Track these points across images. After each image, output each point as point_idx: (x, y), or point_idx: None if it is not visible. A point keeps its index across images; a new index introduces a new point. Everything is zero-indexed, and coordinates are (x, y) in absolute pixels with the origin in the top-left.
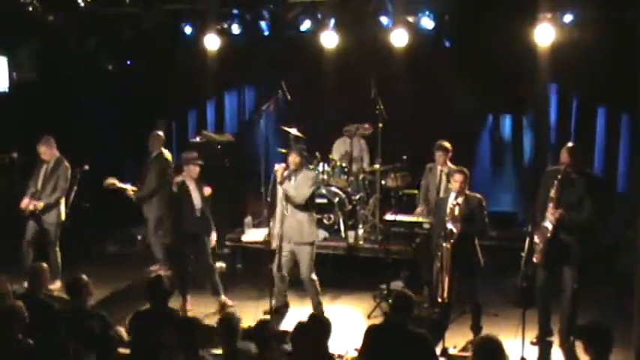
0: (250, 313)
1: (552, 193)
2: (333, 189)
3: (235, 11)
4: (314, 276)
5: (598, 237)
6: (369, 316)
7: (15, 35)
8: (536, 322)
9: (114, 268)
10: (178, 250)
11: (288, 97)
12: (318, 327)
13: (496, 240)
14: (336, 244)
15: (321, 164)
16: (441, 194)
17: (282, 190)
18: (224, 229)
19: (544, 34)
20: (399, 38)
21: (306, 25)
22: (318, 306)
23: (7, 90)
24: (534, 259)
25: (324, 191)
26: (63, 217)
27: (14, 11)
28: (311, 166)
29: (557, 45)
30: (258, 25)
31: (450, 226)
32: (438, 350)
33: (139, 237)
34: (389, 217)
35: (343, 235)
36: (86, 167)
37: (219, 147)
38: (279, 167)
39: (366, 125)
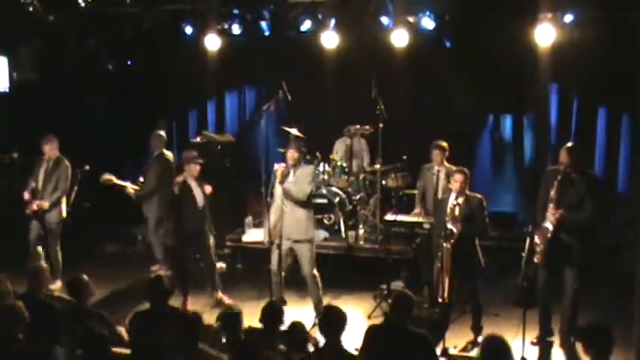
0: (250, 313)
1: (552, 193)
2: (334, 189)
3: (236, 11)
4: (315, 272)
5: (598, 237)
6: (369, 316)
7: (15, 35)
8: (537, 322)
9: (114, 268)
10: (180, 250)
11: (289, 97)
12: (332, 320)
13: (496, 240)
14: (337, 244)
15: (321, 164)
16: (439, 194)
17: (283, 188)
18: (224, 229)
19: (544, 34)
20: (399, 38)
21: (306, 25)
22: (319, 303)
23: (7, 90)
24: (535, 260)
25: (324, 191)
26: (64, 214)
27: (14, 11)
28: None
29: (557, 45)
30: (258, 26)
31: (450, 226)
32: (439, 350)
33: (139, 237)
34: (389, 217)
35: (343, 235)
36: (87, 167)
37: (219, 147)
38: (278, 167)
39: (367, 127)
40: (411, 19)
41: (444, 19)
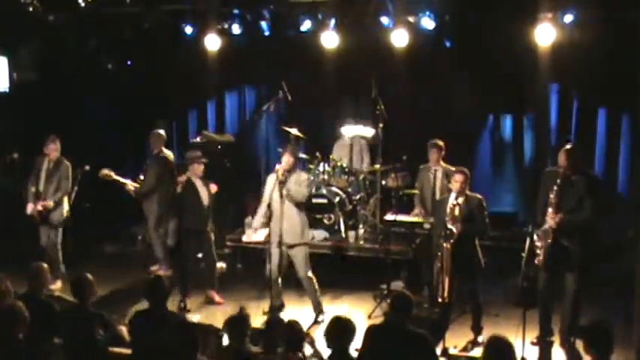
0: (250, 314)
1: (552, 197)
2: (334, 189)
3: (236, 11)
4: (310, 273)
5: (598, 237)
6: (369, 316)
7: (15, 35)
8: (537, 322)
9: (114, 268)
10: (181, 250)
11: (289, 97)
12: (341, 331)
13: (496, 240)
14: (337, 244)
15: (321, 164)
16: (437, 194)
17: (285, 190)
18: (224, 229)
19: (544, 34)
20: (399, 38)
21: (306, 25)
22: (317, 305)
23: (7, 90)
24: (536, 262)
25: (324, 191)
26: (66, 214)
27: (14, 11)
28: (311, 166)
29: (557, 45)
30: (258, 26)
31: (450, 226)
32: (439, 350)
33: (139, 237)
34: (389, 217)
35: (343, 235)
36: (87, 167)
37: (219, 147)
38: (280, 167)
39: (367, 127)
40: (411, 19)
41: (444, 19)
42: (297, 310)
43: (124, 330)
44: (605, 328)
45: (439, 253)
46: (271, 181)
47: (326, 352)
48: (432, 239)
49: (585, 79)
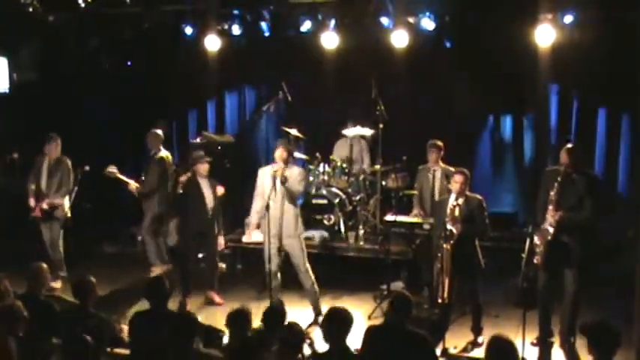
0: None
1: (552, 195)
2: (334, 189)
3: (236, 12)
4: (308, 265)
5: (598, 237)
6: (369, 317)
7: (15, 35)
8: (537, 323)
9: (114, 268)
10: (182, 249)
11: (289, 97)
12: (338, 322)
13: (496, 241)
14: (337, 245)
15: (321, 164)
16: (436, 194)
17: (285, 187)
18: (224, 230)
19: (544, 35)
20: (399, 39)
21: (306, 25)
22: (316, 301)
23: (7, 90)
24: (535, 261)
25: (324, 192)
26: (68, 213)
27: (14, 11)
28: (311, 166)
29: (557, 45)
30: (258, 26)
31: (450, 227)
32: (439, 351)
33: (139, 237)
34: (389, 217)
35: (343, 235)
36: (87, 168)
37: (219, 148)
38: (279, 168)
39: (367, 128)
40: (411, 19)
41: (444, 20)
42: (297, 311)
43: (124, 330)
44: (611, 327)
45: (439, 254)
46: (264, 175)
47: (324, 348)
48: (432, 240)
49: (585, 79)
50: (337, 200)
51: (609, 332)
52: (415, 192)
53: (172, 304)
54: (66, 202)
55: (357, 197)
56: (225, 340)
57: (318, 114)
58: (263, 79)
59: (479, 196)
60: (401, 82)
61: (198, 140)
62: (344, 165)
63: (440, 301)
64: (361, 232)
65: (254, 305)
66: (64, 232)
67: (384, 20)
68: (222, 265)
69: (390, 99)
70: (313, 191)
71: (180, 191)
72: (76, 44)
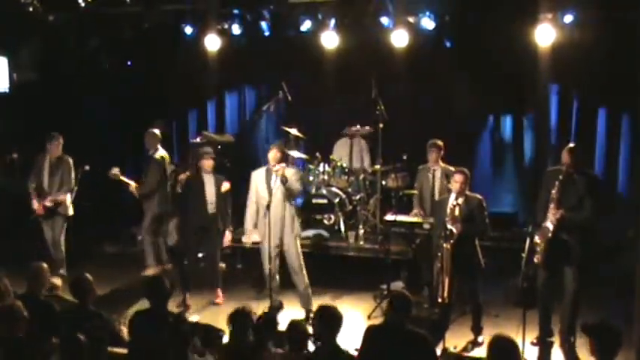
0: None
1: (554, 193)
2: (334, 189)
3: (236, 11)
4: (303, 266)
5: (598, 237)
6: (369, 317)
7: (15, 35)
8: (537, 322)
9: (114, 268)
10: (182, 247)
11: (289, 97)
12: (328, 320)
13: (496, 240)
14: (337, 244)
15: (321, 164)
16: (436, 194)
17: (285, 188)
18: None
19: (544, 35)
20: (399, 39)
21: (306, 25)
22: (308, 303)
23: (7, 90)
24: (535, 260)
25: (324, 191)
26: (70, 211)
27: (14, 11)
28: (311, 166)
29: (557, 45)
30: (258, 26)
31: (450, 226)
32: (438, 350)
33: (139, 237)
34: (389, 217)
35: (344, 235)
36: (87, 167)
37: (219, 147)
38: (280, 168)
39: (367, 127)
40: (411, 19)
41: (444, 19)
42: (297, 311)
43: (124, 330)
44: (614, 328)
45: (439, 254)
46: (257, 179)
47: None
48: (432, 239)
49: (585, 79)
50: (337, 200)
51: (611, 332)
52: (415, 192)
53: (172, 304)
54: (68, 200)
55: (357, 197)
56: (225, 339)
57: (318, 114)
58: (263, 79)
59: (479, 196)
60: (401, 82)
61: (198, 140)
62: (344, 165)
63: (440, 300)
64: (361, 231)
65: (254, 305)
66: (66, 231)
67: (384, 20)
68: (222, 265)
69: (390, 99)
70: (313, 191)
71: (179, 190)
72: (76, 44)
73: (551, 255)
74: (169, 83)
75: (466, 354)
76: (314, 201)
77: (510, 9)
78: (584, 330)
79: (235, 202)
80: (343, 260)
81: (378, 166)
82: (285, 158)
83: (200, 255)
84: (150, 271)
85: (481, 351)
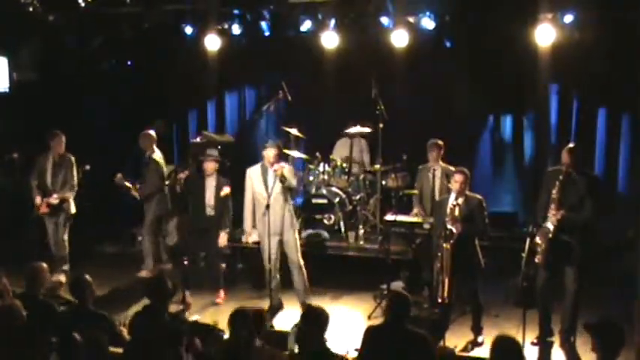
0: None
1: (554, 194)
2: (334, 189)
3: (236, 11)
4: (302, 261)
5: (598, 237)
6: (369, 317)
7: (15, 35)
8: (537, 322)
9: (114, 268)
10: (182, 250)
11: (289, 97)
12: (315, 320)
13: (496, 240)
14: (337, 244)
15: (321, 164)
16: (436, 193)
17: (285, 186)
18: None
19: (544, 35)
20: (399, 38)
21: (306, 25)
22: (305, 299)
23: (7, 90)
24: (536, 260)
25: (324, 191)
26: (73, 209)
27: (14, 11)
28: (311, 166)
29: (557, 45)
30: (258, 26)
31: (450, 226)
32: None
33: (139, 237)
34: (389, 217)
35: (344, 235)
36: (87, 167)
37: (219, 147)
38: (279, 167)
39: (367, 127)
40: (411, 19)
41: (444, 19)
42: (297, 311)
43: (124, 330)
44: (616, 326)
45: (439, 254)
46: (252, 176)
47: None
48: (432, 239)
49: (585, 79)
50: (337, 200)
51: (615, 331)
52: (415, 191)
53: (172, 303)
54: (71, 201)
55: (357, 197)
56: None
57: (318, 114)
58: (263, 79)
59: (479, 196)
60: (401, 82)
61: (198, 140)
62: (344, 164)
63: (440, 300)
64: (361, 231)
65: (254, 305)
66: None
67: (384, 20)
68: (222, 265)
69: (390, 99)
70: (313, 191)
71: (179, 190)
72: (76, 44)
73: (552, 256)
74: (169, 83)
75: (466, 354)
76: (314, 201)
77: (510, 9)
78: (587, 328)
79: (235, 201)
80: (343, 260)
81: (378, 166)
82: (283, 157)
83: (200, 255)
84: (144, 273)
85: (481, 351)
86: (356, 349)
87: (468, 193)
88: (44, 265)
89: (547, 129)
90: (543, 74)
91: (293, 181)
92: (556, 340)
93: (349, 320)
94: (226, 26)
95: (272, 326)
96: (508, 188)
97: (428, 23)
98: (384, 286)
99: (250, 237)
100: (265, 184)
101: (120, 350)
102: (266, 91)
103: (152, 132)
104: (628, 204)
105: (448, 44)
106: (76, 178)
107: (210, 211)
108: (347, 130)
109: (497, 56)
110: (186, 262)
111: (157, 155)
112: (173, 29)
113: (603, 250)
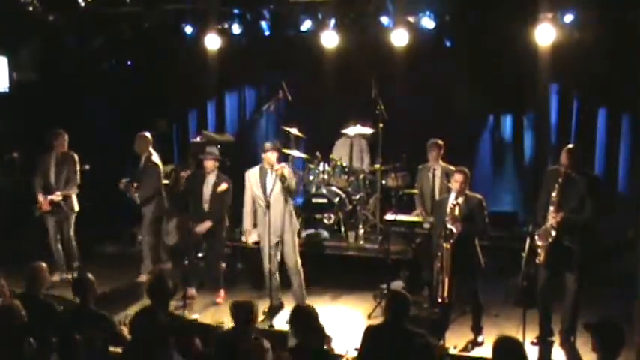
0: None
1: (554, 196)
2: (334, 189)
3: (236, 11)
4: (299, 263)
5: (598, 237)
6: (369, 316)
7: (15, 35)
8: (537, 322)
9: (114, 268)
10: (182, 249)
11: (289, 97)
12: (304, 319)
13: (496, 240)
14: (337, 244)
15: (321, 164)
16: (437, 193)
17: (285, 186)
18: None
19: (544, 34)
20: (399, 38)
21: (306, 25)
22: (302, 297)
23: (7, 90)
24: (537, 260)
25: (324, 191)
26: (76, 207)
27: (14, 11)
28: (311, 166)
29: (557, 45)
30: (258, 25)
31: (450, 226)
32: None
33: (139, 237)
34: (389, 217)
35: (344, 235)
36: (87, 167)
37: (219, 147)
38: (279, 167)
39: (367, 127)
40: (411, 19)
41: (444, 19)
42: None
43: (124, 330)
44: (617, 326)
45: (439, 253)
46: (251, 178)
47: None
48: (432, 239)
49: (585, 79)
50: (337, 199)
51: (615, 331)
52: (416, 191)
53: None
54: (75, 199)
55: (357, 196)
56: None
57: (318, 114)
58: (263, 79)
59: (479, 196)
60: (401, 82)
61: (198, 140)
62: (344, 164)
63: (440, 300)
64: (361, 231)
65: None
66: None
67: (384, 19)
68: (222, 265)
69: (390, 99)
70: (313, 190)
71: (182, 189)
72: (76, 44)
73: (552, 257)
74: (169, 83)
75: (466, 353)
76: (314, 201)
77: (510, 9)
78: (587, 328)
79: (236, 201)
80: (343, 260)
81: (378, 166)
82: (283, 157)
83: (200, 255)
84: (143, 278)
85: (481, 350)
86: (356, 349)
87: (468, 192)
88: (44, 265)
89: (547, 129)
90: (543, 74)
91: (292, 182)
92: (556, 339)
93: (349, 320)
94: (226, 26)
95: (272, 326)
96: (508, 188)
97: (428, 23)
98: (384, 286)
99: (250, 237)
100: (263, 188)
101: (120, 350)
102: (266, 91)
103: (148, 134)
104: (628, 204)
105: (448, 44)
106: (78, 176)
107: (206, 208)
108: (346, 131)
109: (497, 56)
110: (186, 262)
111: (155, 157)
112: (173, 29)
113: (603, 250)
